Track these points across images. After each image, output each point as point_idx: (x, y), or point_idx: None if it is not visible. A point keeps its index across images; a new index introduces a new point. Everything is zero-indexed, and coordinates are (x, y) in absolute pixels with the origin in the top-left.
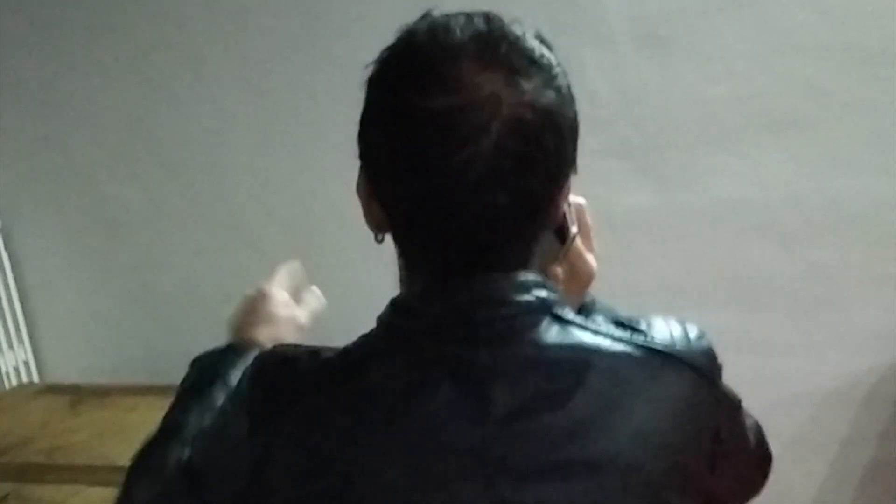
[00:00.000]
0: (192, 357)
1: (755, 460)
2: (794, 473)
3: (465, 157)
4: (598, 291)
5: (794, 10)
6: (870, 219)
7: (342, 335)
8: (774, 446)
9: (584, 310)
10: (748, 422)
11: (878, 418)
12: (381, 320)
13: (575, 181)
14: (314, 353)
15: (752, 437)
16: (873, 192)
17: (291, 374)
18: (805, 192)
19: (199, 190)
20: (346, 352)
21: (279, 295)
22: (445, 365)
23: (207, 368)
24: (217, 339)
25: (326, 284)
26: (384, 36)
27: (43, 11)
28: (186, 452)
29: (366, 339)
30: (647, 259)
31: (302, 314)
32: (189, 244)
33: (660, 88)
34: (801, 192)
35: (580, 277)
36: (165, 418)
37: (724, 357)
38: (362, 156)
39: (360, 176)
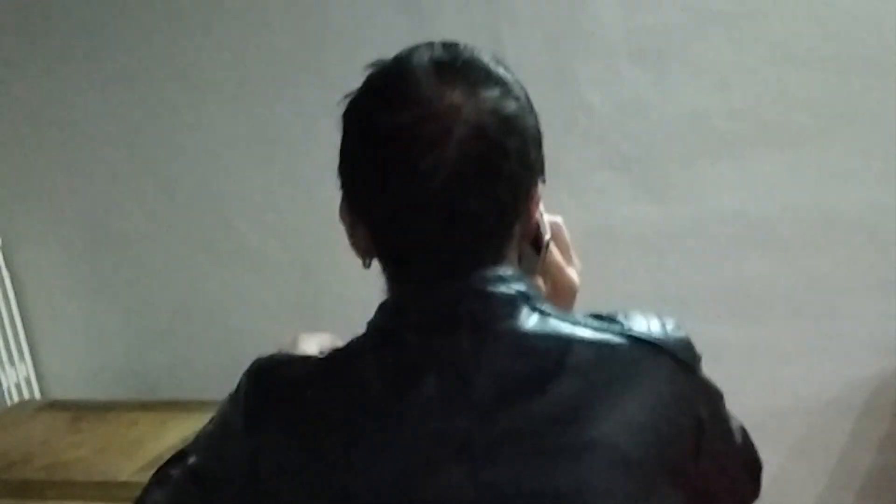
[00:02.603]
0: (192, 372)
1: (742, 460)
2: (794, 480)
3: (431, 162)
4: (595, 303)
5: (789, 21)
6: (866, 228)
7: None
8: (775, 454)
9: None
10: (733, 423)
11: (877, 426)
12: (370, 323)
13: (571, 192)
14: (307, 356)
15: (737, 435)
16: (870, 201)
17: (284, 374)
18: (802, 203)
19: (199, 208)
20: (337, 352)
21: (311, 347)
22: (430, 356)
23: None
24: (217, 354)
25: (323, 299)
26: (380, 54)
27: (41, 29)
28: (192, 458)
29: (355, 339)
30: (645, 270)
31: None
32: (188, 260)
33: (655, 101)
34: (797, 202)
35: (562, 291)
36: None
37: (722, 366)
38: (342, 184)
39: (341, 204)
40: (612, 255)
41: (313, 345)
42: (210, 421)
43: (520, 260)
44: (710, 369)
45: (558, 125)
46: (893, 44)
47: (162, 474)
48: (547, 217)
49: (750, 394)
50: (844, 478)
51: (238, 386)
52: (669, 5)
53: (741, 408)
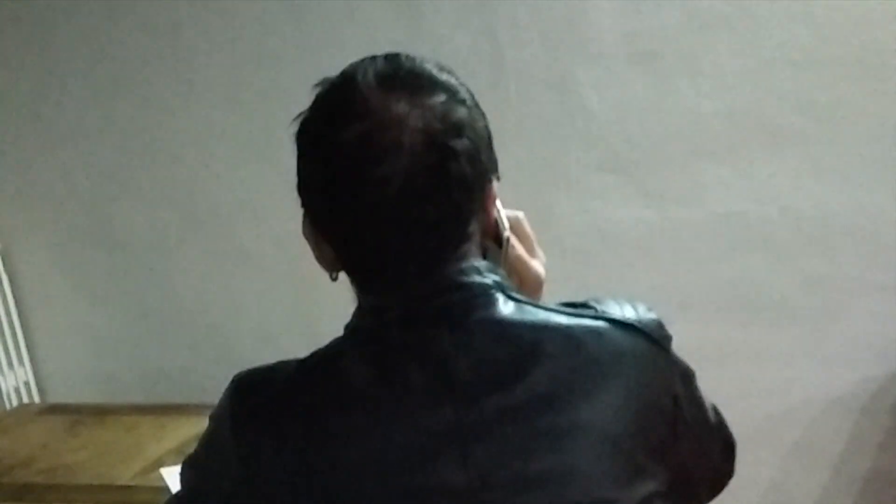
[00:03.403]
0: (190, 376)
1: (716, 438)
2: (792, 483)
3: (383, 173)
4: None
5: (786, 24)
6: (864, 230)
7: None
8: (774, 455)
9: None
10: (706, 402)
11: (876, 428)
12: (347, 325)
13: (569, 195)
14: (285, 361)
15: (710, 414)
16: (867, 203)
17: (267, 381)
18: (799, 205)
19: (198, 212)
20: (316, 354)
21: None
22: (411, 351)
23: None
24: (215, 358)
25: (320, 300)
26: (375, 53)
27: (39, 32)
28: (181, 491)
29: (335, 341)
30: (643, 272)
31: None
32: (187, 263)
33: (653, 103)
34: (795, 204)
35: (529, 284)
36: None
37: (721, 368)
38: (302, 201)
39: (303, 221)
40: (611, 257)
41: None
42: (197, 446)
43: (484, 256)
44: (708, 371)
45: (557, 128)
46: (891, 46)
47: None
48: (506, 213)
49: (749, 396)
50: (843, 480)
51: (220, 402)
52: (667, 9)
53: (740, 409)
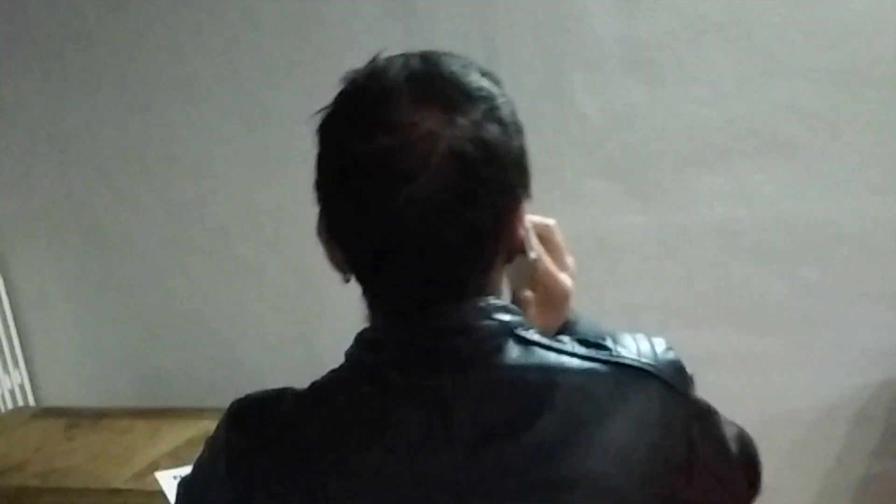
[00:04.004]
0: (186, 380)
1: (740, 468)
2: (787, 489)
3: (407, 194)
4: (588, 312)
5: (781, 32)
6: (857, 238)
7: (332, 355)
8: (768, 462)
9: (567, 328)
10: (729, 430)
11: (869, 435)
12: (348, 354)
13: (565, 201)
14: (283, 391)
15: (733, 445)
16: (862, 211)
17: (264, 413)
18: (793, 212)
19: (194, 216)
20: (315, 387)
21: None
22: (411, 395)
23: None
24: (211, 362)
25: (315, 305)
26: (371, 57)
27: (38, 42)
28: None
29: (333, 373)
30: (637, 279)
31: None
32: (183, 269)
33: (648, 110)
34: (789, 211)
35: (555, 297)
36: None
37: (715, 375)
38: (318, 200)
39: (318, 220)
40: (606, 264)
41: None
42: (192, 469)
43: (508, 266)
44: (701, 377)
45: (552, 134)
46: (886, 54)
47: None
48: (538, 219)
49: (742, 402)
50: (837, 486)
51: (217, 430)
52: (663, 15)
53: (733, 416)
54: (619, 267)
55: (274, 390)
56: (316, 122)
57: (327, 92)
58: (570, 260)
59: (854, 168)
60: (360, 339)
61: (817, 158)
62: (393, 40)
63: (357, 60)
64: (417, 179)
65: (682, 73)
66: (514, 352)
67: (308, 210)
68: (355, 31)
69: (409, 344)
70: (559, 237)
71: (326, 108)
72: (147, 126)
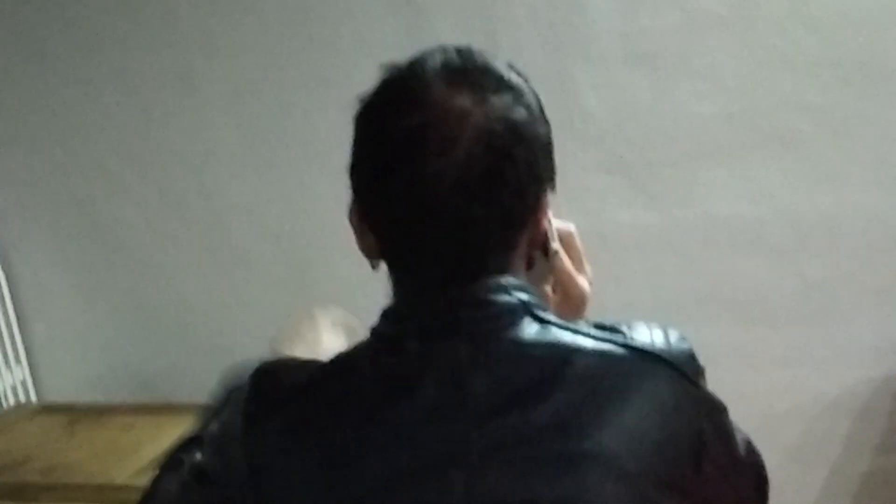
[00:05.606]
0: (188, 376)
1: (749, 474)
2: (788, 486)
3: (437, 167)
4: (591, 307)
5: (784, 26)
6: (861, 233)
7: None
8: (771, 458)
9: None
10: (738, 435)
11: (872, 430)
12: (372, 329)
13: (567, 196)
14: (307, 362)
15: (741, 447)
16: (865, 206)
17: (283, 380)
18: (796, 207)
19: (194, 210)
20: (338, 358)
21: (324, 321)
22: (428, 362)
23: (229, 382)
24: (213, 358)
25: (318, 300)
26: (377, 56)
27: (37, 38)
28: (199, 455)
29: (358, 345)
30: (641, 274)
31: (342, 344)
32: (184, 264)
33: (651, 105)
34: (792, 206)
35: (572, 300)
36: (191, 428)
37: (718, 371)
38: (352, 185)
39: (350, 206)
40: (609, 259)
41: (328, 321)
42: (213, 420)
43: (529, 267)
44: (706, 373)
45: (555, 129)
46: (889, 48)
47: (174, 458)
48: (559, 224)
49: (745, 398)
50: (841, 482)
51: (241, 390)
52: (666, 10)
53: (737, 412)
54: (623, 263)
55: (300, 360)
56: (353, 109)
57: (328, 85)
58: (587, 267)
59: (858, 163)
60: (384, 313)
61: (821, 153)
62: (395, 35)
63: (359, 55)
64: (447, 154)
65: (685, 67)
66: (531, 328)
67: (310, 205)
68: (357, 26)
69: (429, 315)
70: (578, 242)
71: (365, 96)
72: (149, 123)
